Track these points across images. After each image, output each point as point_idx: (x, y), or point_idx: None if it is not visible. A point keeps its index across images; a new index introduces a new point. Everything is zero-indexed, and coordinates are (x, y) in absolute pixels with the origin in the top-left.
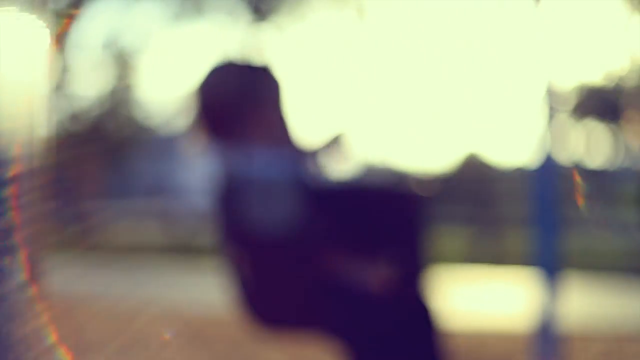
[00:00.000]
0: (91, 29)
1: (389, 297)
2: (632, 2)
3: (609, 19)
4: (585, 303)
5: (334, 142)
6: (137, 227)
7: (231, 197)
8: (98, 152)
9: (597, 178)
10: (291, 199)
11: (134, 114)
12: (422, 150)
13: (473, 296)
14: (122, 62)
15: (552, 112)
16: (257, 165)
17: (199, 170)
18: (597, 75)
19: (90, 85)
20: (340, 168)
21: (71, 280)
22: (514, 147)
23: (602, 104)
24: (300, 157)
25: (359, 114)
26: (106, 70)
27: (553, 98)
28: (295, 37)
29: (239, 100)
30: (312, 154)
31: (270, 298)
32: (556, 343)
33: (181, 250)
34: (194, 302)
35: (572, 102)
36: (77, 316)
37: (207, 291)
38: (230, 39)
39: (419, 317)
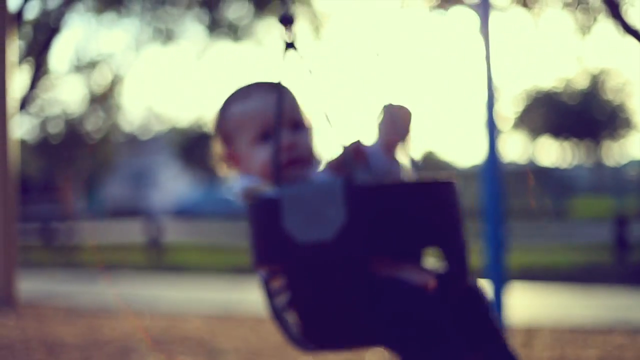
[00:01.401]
0: (70, 39)
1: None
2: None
3: (556, 30)
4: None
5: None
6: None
7: (273, 216)
8: (73, 157)
9: (547, 177)
10: (334, 205)
11: (111, 125)
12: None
13: None
14: (99, 72)
15: (494, 117)
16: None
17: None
18: (545, 80)
19: (67, 92)
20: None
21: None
22: (470, 146)
23: (551, 108)
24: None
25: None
26: (82, 79)
27: (497, 103)
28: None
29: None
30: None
31: (319, 322)
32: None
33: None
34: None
35: (521, 106)
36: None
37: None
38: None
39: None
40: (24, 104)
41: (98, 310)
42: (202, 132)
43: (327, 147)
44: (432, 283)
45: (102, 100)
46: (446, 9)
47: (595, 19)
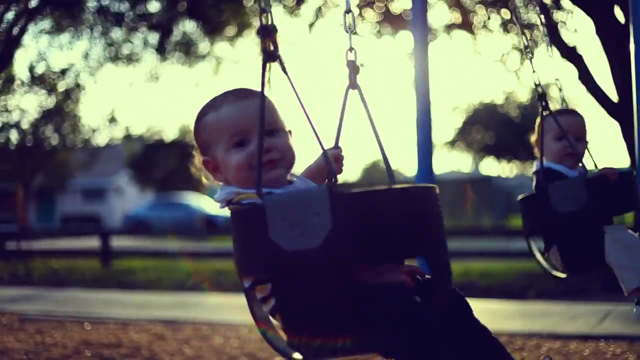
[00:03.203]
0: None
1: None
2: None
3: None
4: None
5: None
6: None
7: (259, 226)
8: (29, 166)
9: (488, 187)
10: (320, 213)
11: (68, 134)
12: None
13: None
14: (56, 84)
15: (427, 132)
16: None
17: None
18: (486, 94)
19: (25, 102)
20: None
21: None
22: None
23: (492, 120)
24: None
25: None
26: (40, 90)
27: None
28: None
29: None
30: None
31: (306, 329)
32: None
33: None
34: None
35: (462, 119)
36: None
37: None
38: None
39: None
40: None
41: (47, 319)
42: (155, 140)
43: (305, 151)
44: (409, 282)
45: (59, 110)
46: (392, 32)
47: (536, 44)
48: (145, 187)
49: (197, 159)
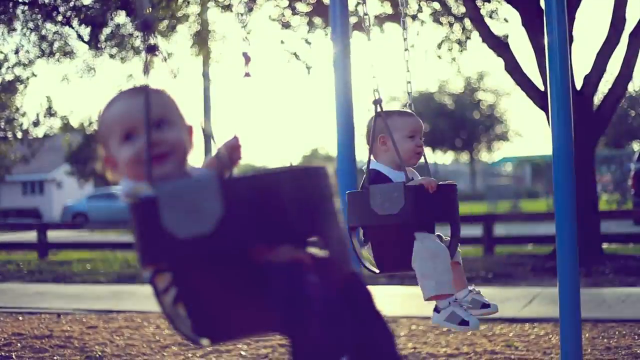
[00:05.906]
0: None
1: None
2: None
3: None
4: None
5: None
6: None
7: (152, 216)
8: None
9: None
10: (210, 199)
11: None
12: (266, 148)
13: None
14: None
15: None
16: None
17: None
18: (420, 83)
19: None
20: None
21: None
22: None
23: (427, 109)
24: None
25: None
26: None
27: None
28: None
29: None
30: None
31: (207, 314)
32: None
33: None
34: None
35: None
36: None
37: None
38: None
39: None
40: None
41: None
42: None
43: (204, 143)
44: (306, 260)
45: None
46: (322, 25)
47: (468, 36)
48: (85, 180)
49: (101, 155)
